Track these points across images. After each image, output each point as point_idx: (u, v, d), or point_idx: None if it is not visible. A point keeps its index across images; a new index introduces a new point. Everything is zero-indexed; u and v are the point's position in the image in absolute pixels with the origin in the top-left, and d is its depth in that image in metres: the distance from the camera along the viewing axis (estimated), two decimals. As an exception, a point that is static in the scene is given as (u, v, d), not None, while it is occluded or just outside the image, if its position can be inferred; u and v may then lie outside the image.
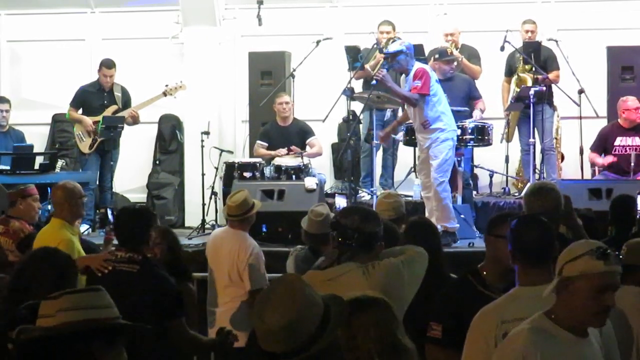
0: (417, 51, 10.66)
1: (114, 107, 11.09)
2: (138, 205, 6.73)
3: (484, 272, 4.41)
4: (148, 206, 9.46)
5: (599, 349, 3.60)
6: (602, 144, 10.58)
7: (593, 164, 10.73)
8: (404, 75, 9.34)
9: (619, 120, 10.56)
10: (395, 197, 7.20)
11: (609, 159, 10.38)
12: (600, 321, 3.47)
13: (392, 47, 9.16)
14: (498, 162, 11.32)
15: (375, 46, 10.94)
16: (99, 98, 11.13)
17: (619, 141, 10.50)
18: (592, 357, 3.53)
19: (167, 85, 11.18)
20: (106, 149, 10.90)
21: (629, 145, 10.45)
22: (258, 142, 11.02)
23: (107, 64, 11.12)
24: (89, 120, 10.97)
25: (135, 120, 11.10)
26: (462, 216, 9.75)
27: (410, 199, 10.25)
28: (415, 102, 9.06)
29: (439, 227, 9.04)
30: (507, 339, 3.59)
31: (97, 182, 10.95)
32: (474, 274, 4.44)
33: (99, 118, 10.96)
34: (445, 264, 5.74)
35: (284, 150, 10.74)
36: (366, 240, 4.00)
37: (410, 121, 10.51)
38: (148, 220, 5.54)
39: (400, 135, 10.73)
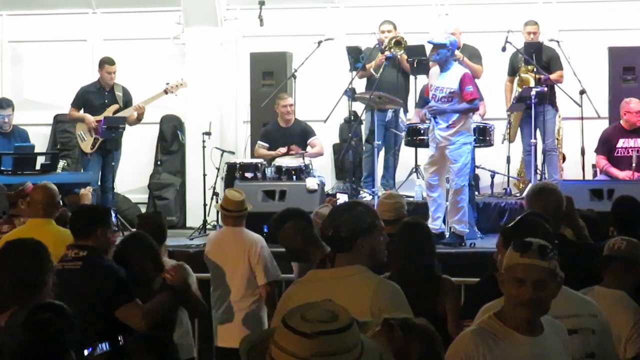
0: (419, 51, 10.69)
1: (115, 107, 11.08)
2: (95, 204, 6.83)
3: None
4: (100, 204, 9.40)
5: (557, 344, 3.57)
6: (607, 146, 10.55)
7: (605, 173, 10.60)
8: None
9: (620, 121, 10.55)
10: (397, 197, 7.18)
11: (629, 174, 10.32)
12: (522, 314, 3.47)
13: (438, 39, 9.14)
14: (499, 162, 11.32)
15: (376, 46, 10.94)
16: (100, 97, 11.13)
17: (621, 143, 10.49)
18: (542, 356, 3.52)
19: (168, 83, 11.18)
20: (108, 149, 10.90)
21: (631, 147, 10.44)
22: (259, 142, 11.03)
23: (109, 61, 11.12)
24: (91, 117, 10.97)
25: (139, 117, 11.09)
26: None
27: (411, 199, 10.25)
28: (477, 107, 9.21)
29: (450, 227, 9.14)
30: (454, 341, 3.63)
31: (99, 183, 10.94)
32: (499, 273, 4.51)
33: (100, 117, 10.96)
34: (437, 265, 5.75)
35: (283, 149, 10.73)
36: (330, 241, 4.00)
37: (413, 121, 10.55)
38: (99, 216, 5.58)
39: (402, 134, 10.73)
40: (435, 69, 9.32)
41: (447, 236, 9.35)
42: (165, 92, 11.16)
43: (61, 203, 7.35)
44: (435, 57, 9.10)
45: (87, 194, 8.11)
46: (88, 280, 5.26)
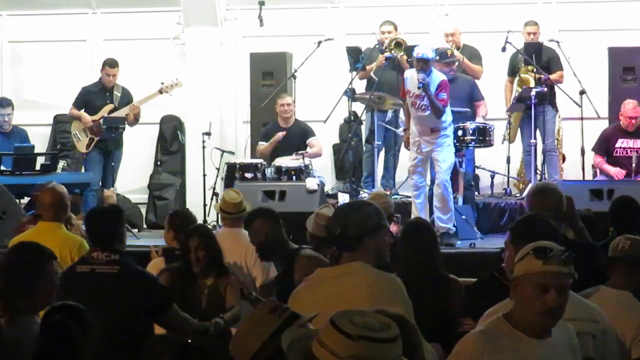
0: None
1: (109, 107, 11.06)
2: (107, 204, 6.77)
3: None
4: (118, 205, 9.36)
5: (565, 347, 3.57)
6: (605, 146, 10.59)
7: (599, 170, 10.64)
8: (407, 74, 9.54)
9: (620, 122, 10.58)
10: (383, 197, 7.26)
11: (620, 171, 10.36)
12: (545, 322, 3.47)
13: (430, 54, 9.26)
14: (499, 162, 11.33)
15: (376, 47, 10.94)
16: (101, 97, 11.13)
17: (620, 143, 10.51)
18: (550, 359, 3.51)
19: (162, 83, 11.16)
20: (109, 149, 10.90)
21: (630, 148, 10.47)
22: (260, 143, 11.01)
23: (110, 63, 11.13)
24: (88, 117, 10.98)
25: (136, 117, 11.09)
26: (463, 217, 9.77)
27: (411, 199, 10.25)
28: (443, 114, 9.30)
29: (441, 227, 9.17)
30: (459, 341, 3.63)
31: (100, 183, 10.93)
32: (500, 272, 4.51)
33: (95, 117, 10.96)
34: (442, 265, 5.76)
35: (281, 134, 10.69)
36: (338, 240, 3.99)
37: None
38: (119, 218, 5.49)
39: (401, 130, 10.73)
40: (412, 74, 9.36)
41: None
42: (160, 92, 11.14)
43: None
44: (422, 73, 9.12)
45: (112, 195, 8.07)
46: (131, 285, 5.17)
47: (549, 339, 3.51)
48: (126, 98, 11.18)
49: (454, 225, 9.45)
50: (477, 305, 4.40)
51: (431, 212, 9.65)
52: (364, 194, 10.64)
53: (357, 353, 2.49)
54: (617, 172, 10.38)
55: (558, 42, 11.09)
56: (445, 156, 9.34)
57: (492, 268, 4.76)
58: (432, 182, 9.96)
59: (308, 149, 10.80)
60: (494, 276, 4.60)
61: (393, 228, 6.72)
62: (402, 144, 10.90)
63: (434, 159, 9.40)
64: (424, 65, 9.15)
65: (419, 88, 9.14)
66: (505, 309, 3.67)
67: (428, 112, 9.24)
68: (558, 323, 3.57)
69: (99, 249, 5.26)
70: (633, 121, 10.45)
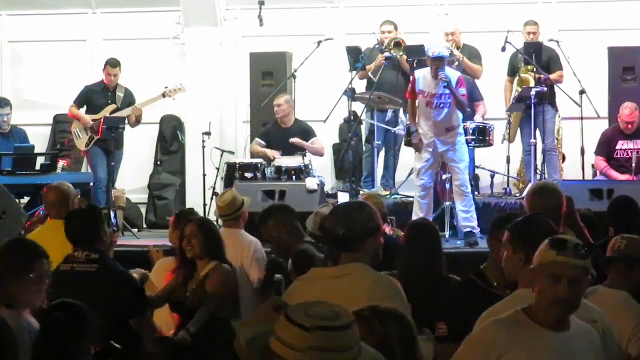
0: (418, 52, 10.68)
1: (112, 107, 11.07)
2: (87, 205, 6.83)
3: (488, 273, 4.45)
4: (98, 205, 9.33)
5: (585, 344, 3.58)
6: (606, 148, 10.60)
7: (603, 174, 10.63)
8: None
9: (619, 124, 10.61)
10: (377, 198, 7.30)
11: (627, 178, 10.37)
12: (556, 312, 3.49)
13: (445, 52, 9.32)
14: (499, 162, 11.32)
15: (376, 47, 10.94)
16: (103, 97, 11.14)
17: (620, 145, 10.53)
18: (566, 352, 3.52)
19: (166, 87, 11.17)
20: (110, 149, 10.89)
21: (630, 149, 10.49)
22: (256, 139, 10.98)
23: (112, 63, 11.13)
24: (88, 117, 10.99)
25: (138, 119, 11.09)
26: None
27: (411, 199, 10.25)
28: (467, 107, 9.38)
29: (464, 226, 9.19)
30: (475, 331, 3.65)
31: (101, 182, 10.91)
32: (478, 275, 4.49)
33: (96, 117, 10.96)
34: (445, 266, 5.76)
35: (277, 153, 10.67)
36: (340, 241, 3.99)
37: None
38: (99, 218, 5.53)
39: (399, 129, 10.71)
40: (424, 74, 9.35)
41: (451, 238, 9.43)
42: (164, 95, 11.15)
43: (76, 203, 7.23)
44: (442, 70, 9.13)
45: (122, 196, 8.08)
46: (107, 284, 5.20)
47: (566, 332, 3.53)
48: (129, 99, 11.19)
49: (478, 225, 9.44)
50: (452, 309, 4.40)
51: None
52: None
53: (315, 344, 2.49)
54: (625, 179, 10.37)
55: (558, 42, 11.09)
56: (461, 155, 9.39)
57: (470, 271, 4.71)
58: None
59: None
60: (471, 279, 4.57)
61: (386, 229, 6.72)
62: (402, 144, 10.90)
63: (449, 160, 9.39)
64: (440, 63, 9.16)
65: (445, 87, 9.15)
66: (504, 311, 3.68)
67: (446, 111, 9.23)
68: (582, 323, 3.61)
69: (80, 249, 5.33)
70: (630, 125, 10.47)
